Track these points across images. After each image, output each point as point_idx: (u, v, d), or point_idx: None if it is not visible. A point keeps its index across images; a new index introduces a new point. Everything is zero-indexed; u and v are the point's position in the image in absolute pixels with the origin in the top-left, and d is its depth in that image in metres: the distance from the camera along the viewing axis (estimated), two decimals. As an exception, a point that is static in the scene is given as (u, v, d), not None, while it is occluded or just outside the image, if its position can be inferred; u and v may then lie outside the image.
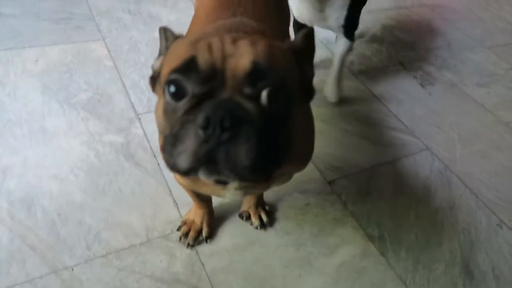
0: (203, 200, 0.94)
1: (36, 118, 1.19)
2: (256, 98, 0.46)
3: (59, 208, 0.99)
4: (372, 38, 1.85)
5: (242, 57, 0.46)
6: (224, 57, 0.47)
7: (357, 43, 1.77)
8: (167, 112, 0.50)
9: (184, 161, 0.46)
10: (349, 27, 1.33)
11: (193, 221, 0.98)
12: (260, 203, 1.03)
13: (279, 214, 1.07)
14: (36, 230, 0.94)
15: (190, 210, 1.00)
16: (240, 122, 0.44)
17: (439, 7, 2.24)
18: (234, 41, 0.49)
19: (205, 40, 0.50)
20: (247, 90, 0.46)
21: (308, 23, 1.37)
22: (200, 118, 0.43)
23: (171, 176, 1.11)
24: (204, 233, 0.98)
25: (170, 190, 1.08)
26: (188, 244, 0.96)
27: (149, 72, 0.62)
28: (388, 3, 2.16)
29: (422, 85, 1.63)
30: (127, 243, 0.95)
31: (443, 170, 1.28)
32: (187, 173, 0.47)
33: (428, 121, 1.46)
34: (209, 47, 0.48)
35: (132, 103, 1.29)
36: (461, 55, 1.88)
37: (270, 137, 0.47)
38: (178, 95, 0.48)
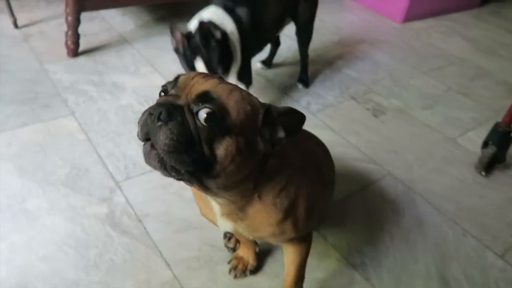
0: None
1: (16, 201, 1.21)
2: (197, 115, 0.62)
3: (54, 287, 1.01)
4: (323, 78, 2.02)
5: (203, 86, 0.64)
6: (195, 84, 0.66)
7: (311, 84, 1.93)
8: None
9: (138, 131, 0.64)
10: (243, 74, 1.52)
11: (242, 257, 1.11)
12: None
13: (267, 257, 1.14)
14: (34, 315, 0.95)
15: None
16: (171, 119, 0.60)
17: (377, 41, 2.48)
18: (210, 78, 0.68)
19: (197, 74, 0.69)
20: (192, 106, 0.63)
21: None
22: (151, 107, 0.61)
23: (159, 238, 1.15)
24: (249, 267, 1.10)
25: (160, 252, 1.12)
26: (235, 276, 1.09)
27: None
28: (333, 45, 2.37)
29: (375, 115, 1.79)
30: (127, 311, 0.98)
31: (406, 191, 1.41)
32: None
33: (385, 147, 1.60)
34: (193, 77, 0.67)
35: (110, 172, 1.33)
36: (403, 82, 2.08)
37: (192, 143, 0.61)
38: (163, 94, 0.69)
